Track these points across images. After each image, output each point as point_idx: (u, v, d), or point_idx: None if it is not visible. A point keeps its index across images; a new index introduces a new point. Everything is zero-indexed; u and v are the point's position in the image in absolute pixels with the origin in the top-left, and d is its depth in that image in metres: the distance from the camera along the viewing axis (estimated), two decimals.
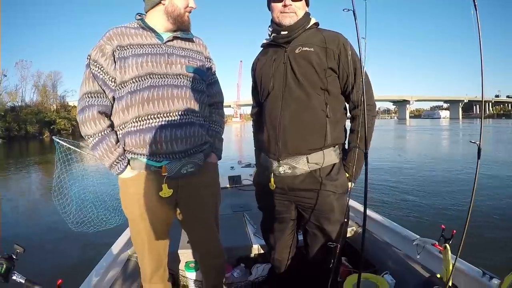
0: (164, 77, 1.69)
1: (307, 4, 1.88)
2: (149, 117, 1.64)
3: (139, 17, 1.79)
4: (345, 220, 1.85)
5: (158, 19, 1.75)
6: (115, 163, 1.67)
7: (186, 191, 1.79)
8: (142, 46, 1.69)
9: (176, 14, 1.74)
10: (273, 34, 1.89)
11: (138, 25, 1.75)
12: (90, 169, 3.46)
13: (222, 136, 2.03)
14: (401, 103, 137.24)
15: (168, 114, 1.66)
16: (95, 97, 1.66)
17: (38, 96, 63.01)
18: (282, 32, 1.83)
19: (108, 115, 1.70)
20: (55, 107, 63.80)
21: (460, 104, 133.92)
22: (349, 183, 1.88)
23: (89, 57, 1.67)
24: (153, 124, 1.64)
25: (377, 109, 1.95)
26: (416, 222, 5.83)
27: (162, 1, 1.73)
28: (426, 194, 7.86)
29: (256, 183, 2.14)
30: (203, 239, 1.98)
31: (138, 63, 1.64)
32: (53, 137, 3.15)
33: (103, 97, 1.67)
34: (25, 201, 9.60)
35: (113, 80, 1.66)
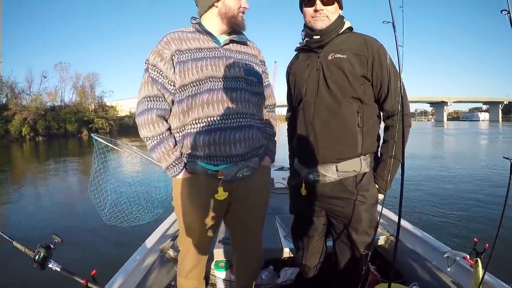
0: (223, 80, 1.69)
1: (341, 8, 1.83)
2: (208, 119, 1.64)
3: (195, 21, 1.78)
4: (374, 230, 1.85)
5: (213, 22, 1.75)
6: (172, 165, 1.69)
7: (239, 194, 1.80)
8: (200, 50, 1.70)
9: (230, 16, 1.72)
10: (306, 39, 1.86)
11: (194, 29, 1.76)
12: (125, 166, 3.57)
13: (274, 139, 2.03)
14: (438, 105, 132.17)
15: (227, 117, 1.66)
16: (154, 100, 1.68)
17: (77, 97, 65.33)
18: (315, 37, 1.80)
19: (166, 118, 1.72)
20: (93, 107, 65.94)
21: (500, 106, 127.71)
22: (379, 195, 1.84)
23: (147, 62, 1.69)
24: (212, 127, 1.64)
25: (413, 110, 1.90)
26: (448, 233, 5.65)
27: (215, 4, 1.73)
28: (461, 205, 7.57)
29: (289, 186, 2.13)
30: (248, 241, 2.00)
31: (198, 67, 1.65)
32: (92, 134, 3.27)
33: (162, 100, 1.69)
34: (64, 195, 9.99)
35: (172, 83, 1.67)
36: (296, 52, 2.02)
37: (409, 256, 2.46)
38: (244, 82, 1.75)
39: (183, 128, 1.69)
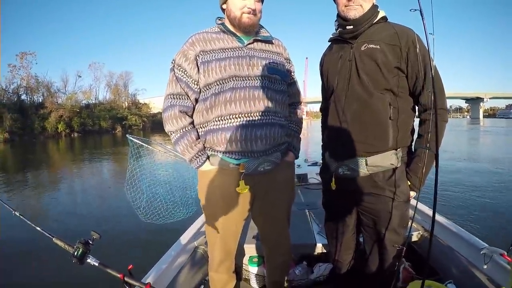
0: (246, 79, 1.74)
1: None
2: (230, 116, 1.71)
3: (219, 22, 1.85)
4: (406, 228, 1.81)
5: (230, 23, 1.81)
6: (195, 157, 1.78)
7: (262, 187, 1.84)
8: (224, 50, 1.76)
9: (232, 17, 1.77)
10: (339, 29, 1.83)
11: (219, 30, 1.82)
12: (160, 164, 3.63)
13: (300, 136, 2.05)
14: (474, 101, 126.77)
15: (249, 115, 1.72)
16: (177, 98, 1.78)
17: (111, 95, 67.37)
18: (348, 27, 1.75)
19: (189, 114, 1.81)
20: (126, 104, 67.66)
21: None
22: (411, 192, 1.78)
23: (173, 62, 1.79)
24: (234, 124, 1.70)
25: (448, 107, 1.84)
26: (484, 229, 5.41)
27: (223, 6, 1.81)
28: (498, 201, 7.28)
29: (321, 179, 2.11)
30: (274, 235, 2.03)
31: (221, 66, 1.72)
32: (127, 135, 3.33)
33: (185, 98, 1.78)
34: (100, 192, 10.27)
35: (195, 82, 1.76)
36: (330, 43, 1.99)
37: (444, 252, 2.40)
38: (268, 81, 1.79)
39: (206, 124, 1.77)
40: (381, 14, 1.77)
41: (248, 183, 1.77)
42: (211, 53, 1.74)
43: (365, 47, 1.72)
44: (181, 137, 1.78)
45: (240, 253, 2.57)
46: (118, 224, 6.33)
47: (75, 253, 1.43)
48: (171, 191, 3.28)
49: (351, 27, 1.75)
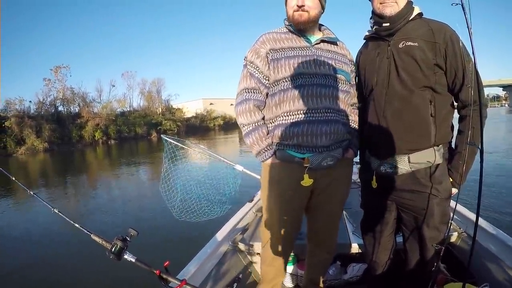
0: (313, 77, 1.79)
1: None
2: (298, 112, 1.78)
3: (287, 23, 1.90)
4: (447, 225, 1.78)
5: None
6: (263, 150, 1.85)
7: (323, 182, 1.88)
8: (293, 49, 1.83)
9: (288, 16, 1.86)
10: (375, 27, 1.83)
11: (287, 30, 1.89)
12: (194, 164, 3.70)
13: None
14: None
15: (315, 111, 1.77)
16: (251, 92, 1.86)
17: (144, 101, 68.69)
18: (384, 24, 1.76)
19: (261, 108, 1.89)
20: (160, 110, 68.86)
21: None
22: (453, 189, 1.77)
23: (245, 59, 1.89)
24: (301, 119, 1.77)
25: (485, 96, 1.80)
26: None
27: (286, 7, 1.88)
28: None
29: (360, 180, 2.12)
30: (325, 230, 2.06)
31: (290, 64, 1.79)
32: (162, 135, 3.42)
33: (258, 92, 1.86)
34: (137, 192, 10.62)
35: (267, 78, 1.84)
36: (365, 41, 1.99)
37: (481, 255, 2.30)
38: (333, 80, 1.83)
39: (275, 119, 1.84)
40: (417, 10, 1.76)
41: (311, 177, 1.82)
42: (280, 51, 1.82)
43: (403, 44, 1.72)
44: (253, 130, 1.85)
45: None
46: (155, 223, 6.49)
47: (113, 249, 1.46)
48: (205, 190, 3.34)
49: (387, 24, 1.75)
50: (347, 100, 1.91)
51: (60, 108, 54.65)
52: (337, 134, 1.80)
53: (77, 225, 1.67)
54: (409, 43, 1.69)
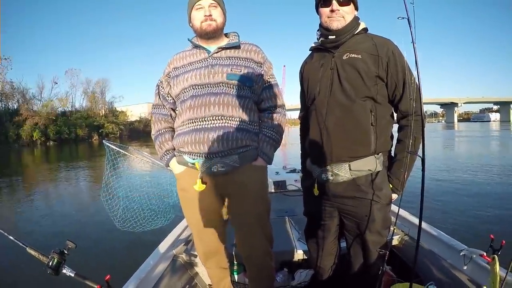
0: (205, 87, 1.89)
1: (356, 8, 1.84)
2: (189, 121, 1.88)
3: (191, 39, 2.03)
4: (388, 230, 1.84)
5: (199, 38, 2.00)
6: (163, 154, 2.03)
7: (223, 189, 1.94)
8: (191, 63, 1.96)
9: (196, 30, 1.96)
10: (321, 39, 1.88)
11: (191, 47, 2.03)
12: (137, 172, 3.58)
13: (275, 141, 2.00)
14: (448, 106, 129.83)
15: (202, 119, 1.85)
16: (156, 108, 2.11)
17: (87, 102, 66.21)
18: (330, 37, 1.81)
19: (166, 120, 2.08)
20: (103, 112, 66.63)
21: (511, 105, 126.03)
22: (393, 195, 1.84)
23: (159, 79, 2.09)
24: (191, 128, 1.87)
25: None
26: (463, 231, 5.54)
27: (190, 25, 2.00)
28: (474, 203, 7.46)
29: (302, 187, 2.14)
30: (241, 239, 2.07)
31: (185, 78, 1.92)
32: (104, 140, 3.28)
33: (162, 108, 2.09)
34: (76, 200, 10.03)
35: (169, 95, 2.05)
36: (311, 52, 2.03)
37: (425, 255, 2.43)
38: (226, 87, 1.89)
39: (177, 129, 1.99)
40: (362, 25, 1.84)
41: (206, 183, 1.91)
42: (181, 68, 1.97)
43: (347, 56, 1.77)
44: (156, 138, 2.06)
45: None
46: (95, 233, 6.17)
47: (50, 263, 1.41)
48: (148, 198, 3.25)
49: (334, 37, 1.81)
50: (246, 105, 1.93)
51: None
52: (228, 140, 1.83)
53: (11, 237, 1.57)
54: (353, 55, 1.76)
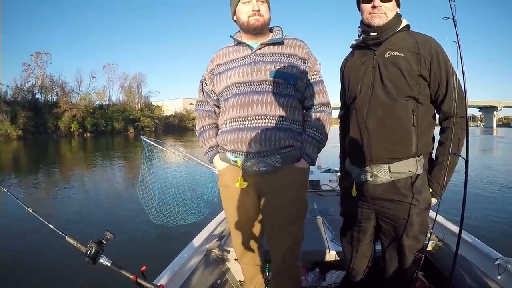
0: (248, 85, 1.85)
1: (398, 5, 1.79)
2: (232, 120, 1.87)
3: (234, 36, 2.00)
4: (425, 235, 1.80)
5: (242, 33, 1.96)
6: (207, 151, 2.07)
7: (264, 189, 1.91)
8: (234, 60, 1.93)
9: (241, 24, 1.90)
10: (362, 35, 1.84)
11: (233, 43, 1.99)
12: (173, 167, 3.64)
13: (319, 141, 1.92)
14: (487, 110, 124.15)
15: (245, 118, 1.84)
16: (200, 104, 2.12)
17: (124, 96, 68.05)
18: (372, 33, 1.77)
19: (210, 116, 2.09)
20: (139, 106, 68.26)
21: None
22: (432, 199, 1.78)
23: (203, 75, 2.10)
24: (234, 127, 1.86)
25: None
26: (499, 240, 5.31)
27: (234, 18, 1.96)
28: None
29: (340, 187, 2.12)
30: (272, 237, 2.00)
31: (228, 75, 1.90)
32: (141, 136, 3.36)
33: (206, 104, 2.09)
34: (111, 191, 10.37)
35: (212, 92, 2.04)
36: (352, 49, 2.00)
37: (458, 262, 2.36)
38: (269, 85, 1.84)
39: (221, 126, 2.00)
40: (404, 23, 1.79)
41: (247, 181, 1.90)
42: (224, 65, 1.95)
43: (388, 54, 1.73)
44: (200, 134, 2.09)
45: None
46: (132, 225, 6.29)
47: (88, 253, 1.44)
48: (183, 193, 3.29)
49: (375, 34, 1.77)
50: (290, 104, 1.86)
51: (38, 96, 53.86)
52: (270, 140, 1.79)
53: (51, 226, 1.62)
54: (395, 53, 1.71)
